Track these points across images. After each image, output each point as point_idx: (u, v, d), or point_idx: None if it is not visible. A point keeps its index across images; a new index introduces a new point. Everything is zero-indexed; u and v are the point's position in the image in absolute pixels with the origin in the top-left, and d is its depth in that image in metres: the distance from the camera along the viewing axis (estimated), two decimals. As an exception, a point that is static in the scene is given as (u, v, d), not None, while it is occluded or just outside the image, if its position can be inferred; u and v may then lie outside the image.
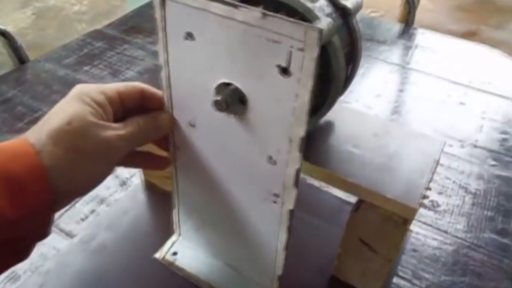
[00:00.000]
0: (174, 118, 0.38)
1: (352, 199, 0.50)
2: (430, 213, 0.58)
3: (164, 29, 0.33)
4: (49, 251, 0.50)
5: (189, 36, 0.32)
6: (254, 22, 0.29)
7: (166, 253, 0.48)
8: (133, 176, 0.60)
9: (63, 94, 0.34)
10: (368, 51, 0.91)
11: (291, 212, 0.36)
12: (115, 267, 0.48)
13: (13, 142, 0.30)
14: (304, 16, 0.35)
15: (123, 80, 0.79)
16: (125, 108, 0.36)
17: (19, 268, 0.48)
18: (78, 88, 0.34)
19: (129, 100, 0.36)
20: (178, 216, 0.46)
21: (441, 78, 0.84)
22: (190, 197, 0.44)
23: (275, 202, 0.37)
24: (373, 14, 2.08)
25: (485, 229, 0.56)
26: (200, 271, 0.46)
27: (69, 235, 0.52)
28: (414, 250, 0.53)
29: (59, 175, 0.30)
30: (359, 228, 0.42)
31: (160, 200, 0.55)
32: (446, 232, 0.56)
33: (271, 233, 0.39)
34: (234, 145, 0.36)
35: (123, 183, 0.59)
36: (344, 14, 0.39)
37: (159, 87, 0.37)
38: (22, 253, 0.31)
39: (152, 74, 0.81)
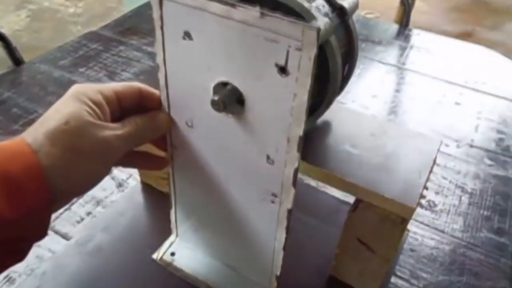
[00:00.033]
0: (171, 118, 0.38)
1: (350, 199, 0.50)
2: (427, 212, 0.58)
3: (162, 28, 0.33)
4: (44, 253, 0.50)
5: (187, 35, 0.32)
6: (252, 22, 0.29)
7: (164, 253, 0.48)
8: (130, 178, 0.60)
9: (58, 95, 0.33)
10: (364, 52, 0.91)
11: (289, 211, 0.36)
12: (111, 269, 0.47)
13: (10, 142, 0.30)
14: (301, 16, 0.35)
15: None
16: (122, 108, 0.35)
17: (15, 270, 0.48)
18: (75, 88, 0.34)
19: (127, 99, 0.35)
20: (176, 216, 0.46)
21: (437, 79, 0.85)
22: (187, 197, 0.43)
23: (273, 202, 0.36)
24: (368, 16, 2.09)
25: (482, 228, 0.56)
26: (198, 271, 0.46)
27: (65, 237, 0.52)
28: (412, 250, 0.53)
29: (56, 175, 0.30)
30: (357, 227, 0.42)
31: (157, 201, 0.55)
32: (443, 231, 0.56)
33: (269, 233, 0.39)
34: (232, 145, 0.36)
35: (120, 185, 0.59)
36: (341, 14, 0.39)
37: (155, 88, 0.37)
38: (20, 254, 0.31)
39: (148, 76, 0.80)
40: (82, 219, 0.54)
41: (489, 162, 0.67)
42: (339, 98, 0.43)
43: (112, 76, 0.81)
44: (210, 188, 0.40)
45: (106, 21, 1.00)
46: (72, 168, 0.31)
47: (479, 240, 0.55)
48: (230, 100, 0.33)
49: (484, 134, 0.72)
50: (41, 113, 0.32)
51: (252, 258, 0.43)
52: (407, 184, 0.38)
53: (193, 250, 0.48)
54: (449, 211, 0.59)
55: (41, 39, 2.19)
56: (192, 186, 0.42)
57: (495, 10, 2.58)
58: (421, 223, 0.57)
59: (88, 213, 0.55)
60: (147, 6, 1.05)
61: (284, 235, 0.38)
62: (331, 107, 0.42)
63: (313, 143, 0.42)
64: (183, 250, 0.48)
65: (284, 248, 0.39)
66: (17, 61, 0.84)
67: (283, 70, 0.30)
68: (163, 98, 0.37)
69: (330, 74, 0.37)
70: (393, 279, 0.50)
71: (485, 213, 0.59)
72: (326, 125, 0.44)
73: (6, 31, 0.85)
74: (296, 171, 0.34)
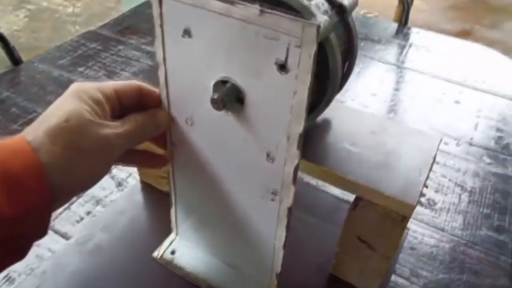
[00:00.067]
0: (171, 116, 0.38)
1: (349, 197, 0.50)
2: (427, 211, 0.58)
3: (162, 26, 0.33)
4: (44, 252, 0.50)
5: (187, 33, 0.32)
6: (251, 19, 0.29)
7: (164, 252, 0.48)
8: (129, 177, 0.60)
9: (57, 95, 0.33)
10: (363, 50, 0.91)
11: (289, 209, 0.36)
12: (111, 268, 0.47)
13: (10, 140, 0.30)
14: (301, 14, 0.35)
15: (118, 81, 0.78)
16: (122, 106, 0.35)
17: (14, 270, 0.48)
18: (75, 86, 0.34)
19: (127, 97, 0.35)
20: (176, 215, 0.46)
21: (436, 77, 0.85)
22: (187, 195, 0.43)
23: (273, 200, 0.36)
24: (367, 15, 2.09)
25: (481, 226, 0.56)
26: (198, 270, 0.46)
27: (65, 236, 0.52)
28: (412, 248, 0.53)
29: (56, 173, 0.30)
30: (357, 226, 0.42)
31: (156, 200, 0.55)
32: (443, 230, 0.56)
33: (270, 231, 0.39)
34: (232, 143, 0.36)
35: (119, 184, 0.59)
36: (340, 12, 0.39)
37: (155, 86, 0.37)
38: (20, 252, 0.31)
39: (147, 75, 0.80)
40: (82, 219, 0.54)
41: (488, 160, 0.67)
42: (339, 97, 0.43)
43: (111, 75, 0.81)
44: (210, 186, 0.40)
45: (105, 21, 1.00)
46: (72, 166, 0.31)
47: (479, 238, 0.55)
48: (229, 98, 0.33)
49: (484, 132, 0.72)
50: (40, 112, 0.32)
51: (252, 256, 0.43)
52: (407, 182, 0.38)
53: (193, 248, 0.48)
54: (448, 209, 0.59)
55: (40, 39, 2.19)
56: (192, 184, 0.42)
57: (494, 8, 2.58)
58: (421, 221, 0.57)
59: (88, 213, 0.55)
60: (146, 5, 1.05)
61: (284, 233, 0.38)
62: (330, 105, 0.42)
63: (313, 141, 0.42)
64: (183, 248, 0.48)
65: (285, 246, 0.39)
66: (16, 60, 0.84)
67: (283, 67, 0.29)
68: (163, 96, 0.37)
69: (330, 71, 0.37)
70: (393, 278, 0.50)
71: (485, 211, 0.59)
72: (326, 123, 0.44)
73: (4, 31, 0.85)
74: (296, 169, 0.34)
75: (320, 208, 0.56)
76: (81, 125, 0.31)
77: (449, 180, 0.63)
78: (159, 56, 0.35)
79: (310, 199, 0.57)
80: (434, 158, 0.41)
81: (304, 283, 0.47)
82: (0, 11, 2.41)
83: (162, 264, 0.47)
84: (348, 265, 0.46)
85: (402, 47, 0.94)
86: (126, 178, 0.60)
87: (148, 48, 0.89)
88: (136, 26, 0.96)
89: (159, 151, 0.41)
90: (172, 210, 0.46)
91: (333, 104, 0.42)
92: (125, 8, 1.22)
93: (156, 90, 0.37)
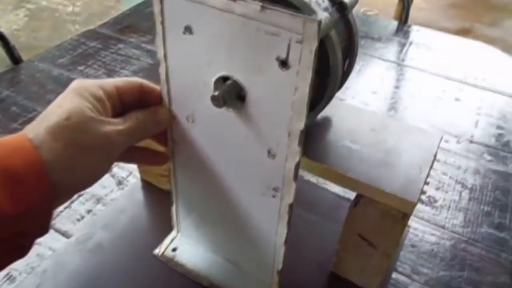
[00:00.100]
0: (172, 113, 0.37)
1: (350, 195, 0.50)
2: (428, 208, 0.58)
3: (163, 23, 0.33)
4: (45, 251, 0.50)
5: (188, 30, 0.32)
6: (252, 15, 0.29)
7: (165, 249, 0.48)
8: (130, 175, 0.60)
9: (57, 94, 0.33)
10: (364, 48, 0.91)
11: (291, 206, 0.36)
12: (112, 267, 0.47)
13: (12, 138, 0.30)
14: (301, 11, 0.35)
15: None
16: (123, 103, 0.35)
17: (15, 268, 0.48)
18: (76, 83, 0.33)
19: (128, 95, 0.35)
20: (177, 212, 0.46)
21: (436, 75, 0.85)
22: (189, 192, 0.43)
23: (274, 196, 0.36)
24: (367, 13, 2.09)
25: (482, 223, 0.56)
26: (199, 267, 0.46)
27: (65, 235, 0.52)
28: (413, 246, 0.53)
29: (58, 170, 0.30)
30: (358, 223, 0.42)
31: (157, 199, 0.55)
32: (443, 227, 0.56)
33: (271, 227, 0.39)
34: (233, 139, 0.36)
35: (120, 183, 0.59)
36: (340, 9, 0.39)
37: (155, 84, 0.37)
38: (21, 250, 0.31)
39: (147, 73, 0.80)
40: (82, 217, 0.54)
41: (489, 157, 0.67)
42: (339, 94, 0.43)
43: (111, 74, 0.81)
44: (211, 183, 0.40)
45: (104, 19, 0.99)
46: (74, 163, 0.31)
47: (480, 235, 0.55)
48: (230, 95, 0.33)
49: (484, 130, 0.72)
50: (40, 111, 0.32)
51: (253, 253, 0.43)
52: (408, 179, 0.38)
53: (194, 245, 0.48)
54: (449, 206, 0.59)
55: (40, 38, 2.19)
56: (193, 182, 0.42)
57: (494, 6, 2.58)
58: (422, 219, 0.57)
59: (88, 211, 0.55)
60: (145, 4, 1.05)
61: (285, 230, 0.38)
62: (331, 103, 0.42)
63: (313, 139, 0.42)
64: (184, 246, 0.48)
65: (286, 243, 0.39)
66: (16, 60, 0.84)
67: (284, 63, 0.29)
68: (164, 93, 0.37)
69: (330, 68, 0.37)
70: (394, 275, 0.50)
71: (486, 208, 0.59)
72: (327, 121, 0.44)
73: (4, 31, 0.85)
74: (297, 165, 0.34)
75: (320, 205, 0.55)
76: (82, 122, 0.31)
77: (450, 177, 0.63)
78: (160, 53, 0.35)
79: (310, 196, 0.57)
80: (435, 155, 0.41)
81: (305, 280, 0.47)
82: (0, 10, 2.41)
83: (163, 262, 0.47)
84: (348, 262, 0.46)
85: (402, 45, 0.94)
86: (126, 176, 0.60)
87: (148, 47, 0.89)
88: (136, 24, 0.96)
89: (160, 148, 0.41)
90: (173, 208, 0.46)
91: (333, 102, 0.42)
92: (124, 7, 1.22)
93: (157, 87, 0.37)
